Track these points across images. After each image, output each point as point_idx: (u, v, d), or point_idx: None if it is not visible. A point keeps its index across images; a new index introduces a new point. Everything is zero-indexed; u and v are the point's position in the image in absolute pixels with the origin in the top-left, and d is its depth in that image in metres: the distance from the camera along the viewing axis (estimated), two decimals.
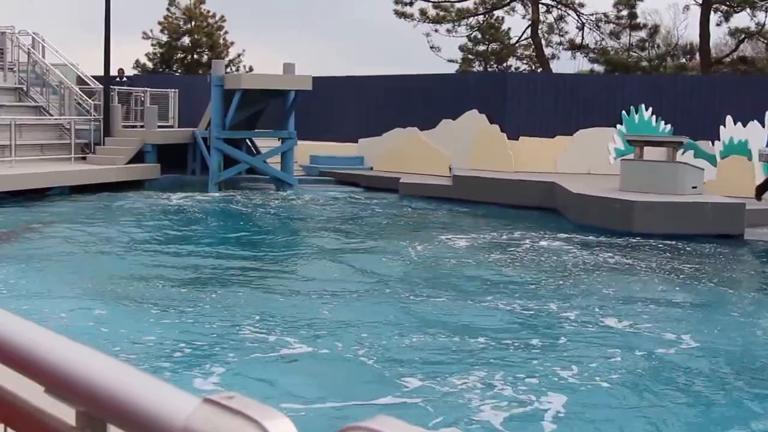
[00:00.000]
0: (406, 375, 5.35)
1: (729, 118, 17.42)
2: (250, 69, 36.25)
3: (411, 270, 9.01)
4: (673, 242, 11.69)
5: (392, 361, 5.66)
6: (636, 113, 20.61)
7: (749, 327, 6.84)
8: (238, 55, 37.24)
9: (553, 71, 30.63)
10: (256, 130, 20.88)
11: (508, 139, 20.57)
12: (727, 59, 30.61)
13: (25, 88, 20.37)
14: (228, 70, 31.72)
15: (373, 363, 5.62)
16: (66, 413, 0.98)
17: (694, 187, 14.15)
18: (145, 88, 21.84)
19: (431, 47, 33.17)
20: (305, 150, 22.71)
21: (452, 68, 33.70)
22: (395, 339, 6.15)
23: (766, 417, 4.84)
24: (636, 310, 7.37)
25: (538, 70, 32.38)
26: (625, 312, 7.23)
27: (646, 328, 6.67)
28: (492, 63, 34.20)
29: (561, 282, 8.49)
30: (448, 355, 5.78)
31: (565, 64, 35.30)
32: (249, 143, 20.82)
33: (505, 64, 34.20)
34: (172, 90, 22.59)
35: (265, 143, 20.95)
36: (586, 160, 20.72)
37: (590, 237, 12.09)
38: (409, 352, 5.85)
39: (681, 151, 17.58)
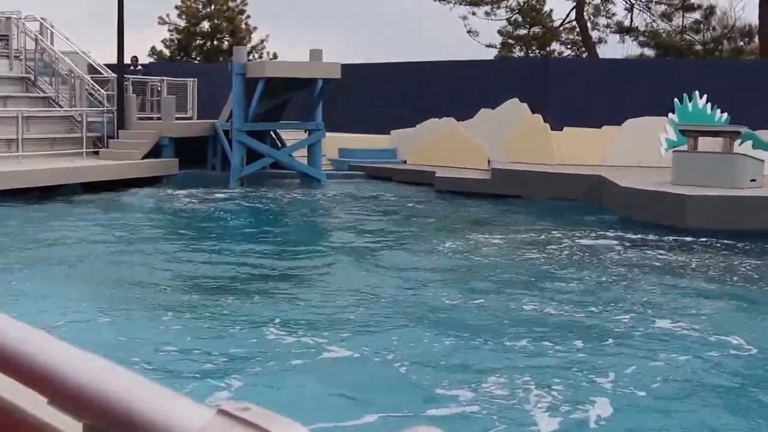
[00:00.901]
0: (443, 382, 5.34)
1: None
2: (274, 56, 36.38)
3: (445, 271, 9.00)
4: (730, 240, 11.55)
5: (427, 367, 5.65)
6: (689, 101, 20.37)
7: None
8: (261, 41, 37.42)
9: (600, 56, 30.45)
10: (281, 122, 20.93)
11: (551, 129, 20.44)
12: None
13: (32, 78, 20.36)
14: (250, 57, 31.80)
15: (407, 369, 5.62)
16: (71, 426, 0.98)
17: (753, 180, 13.97)
18: (162, 77, 21.98)
19: (468, 32, 33.10)
20: (334, 143, 22.76)
21: (491, 54, 33.63)
22: (429, 343, 6.14)
23: None
24: (688, 312, 7.29)
25: (584, 55, 32.17)
26: (676, 314, 7.16)
27: (699, 330, 6.60)
28: (534, 48, 34.00)
29: (605, 281, 8.43)
30: (488, 361, 5.76)
31: (613, 48, 34.93)
32: (273, 136, 20.88)
33: (547, 49, 33.95)
34: (191, 79, 22.67)
35: (291, 136, 20.98)
36: (635, 151, 20.51)
37: (639, 234, 11.98)
38: (444, 357, 5.84)
39: (738, 141, 17.36)
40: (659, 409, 5.05)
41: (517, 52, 33.92)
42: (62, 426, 1.01)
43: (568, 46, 34.60)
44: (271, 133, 20.75)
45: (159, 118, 20.65)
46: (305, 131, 20.55)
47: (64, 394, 0.95)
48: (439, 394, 5.11)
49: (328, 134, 20.68)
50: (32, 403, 1.04)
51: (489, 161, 19.91)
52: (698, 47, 31.69)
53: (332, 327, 6.58)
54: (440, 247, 10.51)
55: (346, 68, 20.20)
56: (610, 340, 6.32)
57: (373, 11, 61.34)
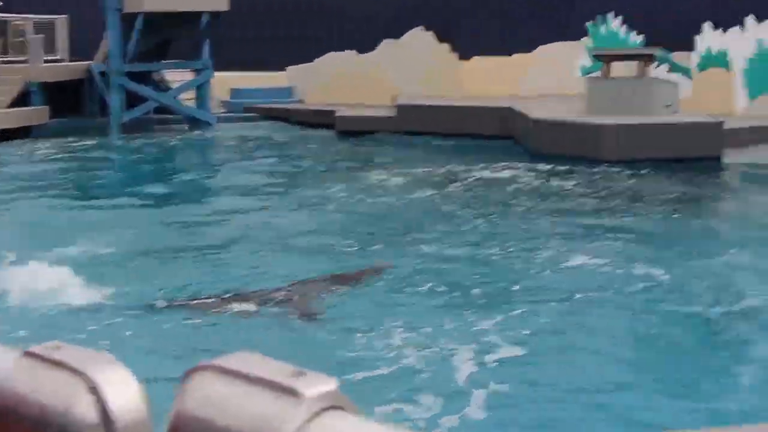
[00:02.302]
0: (334, 330, 5.34)
1: (707, 25, 17.52)
2: None
3: (343, 216, 8.98)
4: (645, 169, 11.81)
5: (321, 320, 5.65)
6: (603, 24, 20.64)
7: (720, 263, 6.96)
8: None
9: None
10: (164, 62, 20.45)
11: (459, 59, 20.47)
12: None
13: None
14: None
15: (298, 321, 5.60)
16: None
17: (669, 106, 14.27)
18: (26, 15, 21.10)
19: None
20: (225, 83, 22.38)
21: None
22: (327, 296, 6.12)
23: (743, 364, 4.94)
24: (600, 245, 7.45)
25: None
26: (588, 248, 7.30)
27: (612, 264, 6.76)
28: None
29: (511, 219, 8.56)
30: (386, 307, 5.78)
31: None
32: (157, 77, 20.39)
33: None
34: (61, 16, 21.82)
35: (177, 77, 20.52)
36: (549, 80, 20.71)
37: (549, 166, 12.15)
38: (337, 308, 5.81)
39: (653, 65, 17.70)
40: (575, 349, 5.16)
41: None
42: None
43: None
44: (154, 74, 20.26)
45: (25, 62, 19.91)
46: (192, 71, 20.14)
47: None
48: (329, 341, 5.11)
49: (217, 74, 20.32)
50: None
51: (394, 97, 19.85)
52: None
53: (213, 277, 6.47)
54: (332, 191, 10.49)
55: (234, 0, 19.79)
56: (519, 284, 6.39)
57: None
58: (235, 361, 0.72)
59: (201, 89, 19.74)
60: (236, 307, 5.75)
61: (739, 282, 6.37)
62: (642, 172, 11.72)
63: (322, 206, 9.66)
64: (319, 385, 0.69)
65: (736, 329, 5.43)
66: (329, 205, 9.73)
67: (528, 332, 5.34)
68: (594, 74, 15.96)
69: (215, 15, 19.13)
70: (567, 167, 12.08)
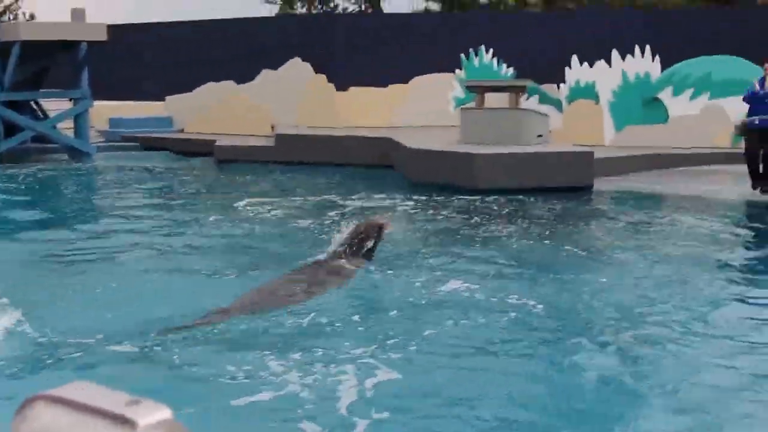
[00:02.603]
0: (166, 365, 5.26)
1: (575, 58, 18.10)
2: (31, 17, 34.65)
3: (216, 244, 8.88)
4: (518, 197, 12.07)
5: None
6: (476, 56, 21.10)
7: (583, 286, 7.16)
8: (15, 1, 35.50)
9: (385, 11, 30.93)
10: (41, 91, 19.91)
11: (337, 90, 20.60)
12: None
13: None
14: (3, 18, 30.04)
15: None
16: None
17: (540, 136, 14.66)
18: None
19: None
20: (104, 112, 21.96)
21: (271, 11, 33.39)
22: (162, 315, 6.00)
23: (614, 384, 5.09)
24: (473, 269, 7.55)
25: (369, 11, 32.56)
26: (460, 272, 7.39)
27: (484, 287, 6.86)
28: (316, 4, 34.09)
29: (385, 245, 8.61)
30: (260, 335, 5.74)
31: (398, 3, 35.57)
32: (34, 106, 19.83)
33: (331, 5, 34.16)
34: None
35: (55, 106, 19.99)
36: (424, 110, 21.04)
37: (425, 195, 12.31)
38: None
39: (524, 96, 18.19)
40: (444, 370, 5.22)
41: (299, 9, 33.92)
42: None
43: (352, 2, 34.96)
44: (32, 103, 19.70)
45: None
46: (70, 100, 19.66)
47: None
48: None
49: (96, 103, 19.91)
50: None
51: (273, 126, 19.84)
52: (483, 0, 32.85)
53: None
54: (208, 220, 10.39)
55: (113, 29, 19.45)
56: (391, 312, 6.42)
57: None
58: (70, 390, 0.71)
59: (79, 119, 19.25)
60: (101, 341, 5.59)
61: (611, 303, 6.57)
62: (514, 200, 11.96)
63: (196, 235, 9.54)
64: (153, 414, 0.69)
65: (609, 352, 5.58)
66: (204, 233, 9.62)
67: (401, 357, 5.38)
68: (468, 105, 16.27)
69: (92, 44, 18.74)
70: (442, 196, 12.25)
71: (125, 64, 23.17)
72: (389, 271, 7.53)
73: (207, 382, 4.99)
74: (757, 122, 12.86)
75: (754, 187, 12.90)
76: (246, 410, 4.61)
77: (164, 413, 0.68)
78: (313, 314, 6.21)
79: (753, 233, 10.11)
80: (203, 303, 6.30)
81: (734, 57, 17.35)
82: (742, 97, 13.42)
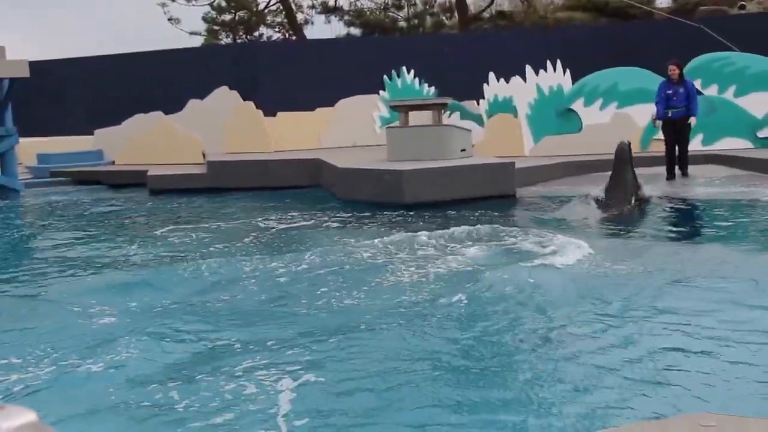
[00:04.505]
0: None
1: (492, 75, 18.34)
2: None
3: (147, 274, 8.70)
4: (444, 210, 12.11)
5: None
6: (398, 77, 21.25)
7: (511, 287, 7.20)
8: None
9: (308, 38, 30.93)
10: None
11: (265, 116, 20.56)
12: (485, 14, 32.25)
13: None
14: None
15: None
16: None
17: (463, 150, 14.77)
18: None
19: (169, 19, 32.50)
20: (31, 148, 21.51)
21: (197, 42, 33.18)
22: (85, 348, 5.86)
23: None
24: (398, 274, 7.55)
25: (292, 38, 32.54)
26: (389, 278, 7.37)
27: (411, 293, 6.86)
28: (241, 33, 33.98)
29: (312, 266, 8.54)
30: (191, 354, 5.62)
31: (321, 29, 35.75)
32: None
33: (256, 34, 34.08)
34: None
35: None
36: (350, 132, 21.14)
37: (354, 214, 12.28)
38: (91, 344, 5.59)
39: (447, 113, 18.37)
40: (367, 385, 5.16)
41: (225, 39, 33.76)
42: None
43: (276, 30, 34.93)
44: None
45: None
46: None
47: None
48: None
49: (22, 140, 19.48)
50: None
51: (204, 154, 19.68)
52: (402, 23, 33.10)
53: None
54: (141, 250, 10.19)
55: (35, 66, 19.08)
56: (301, 321, 6.36)
57: (63, 3, 58.36)
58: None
59: (6, 156, 18.79)
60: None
61: (528, 305, 6.59)
62: (441, 212, 12.01)
63: (127, 265, 9.34)
64: (17, 418, 0.65)
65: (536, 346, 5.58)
66: (135, 263, 9.42)
67: (319, 363, 5.31)
68: (393, 124, 16.34)
69: (14, 81, 18.33)
70: (371, 213, 12.24)
71: (51, 100, 22.73)
72: (321, 284, 7.45)
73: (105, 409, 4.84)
74: (670, 115, 14.75)
75: (668, 179, 14.53)
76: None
77: (29, 416, 0.64)
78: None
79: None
80: (116, 334, 6.15)
81: (637, 68, 17.85)
82: (655, 100, 14.95)
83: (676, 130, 14.78)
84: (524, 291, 7.04)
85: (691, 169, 15.10)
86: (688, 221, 11.15)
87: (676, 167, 14.96)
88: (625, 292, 6.84)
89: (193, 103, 20.94)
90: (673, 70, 14.83)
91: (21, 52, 18.95)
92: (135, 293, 7.68)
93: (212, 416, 4.62)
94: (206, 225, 12.13)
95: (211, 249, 10.01)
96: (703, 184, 13.73)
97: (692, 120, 14.79)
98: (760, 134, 17.01)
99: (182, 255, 9.66)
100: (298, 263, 8.73)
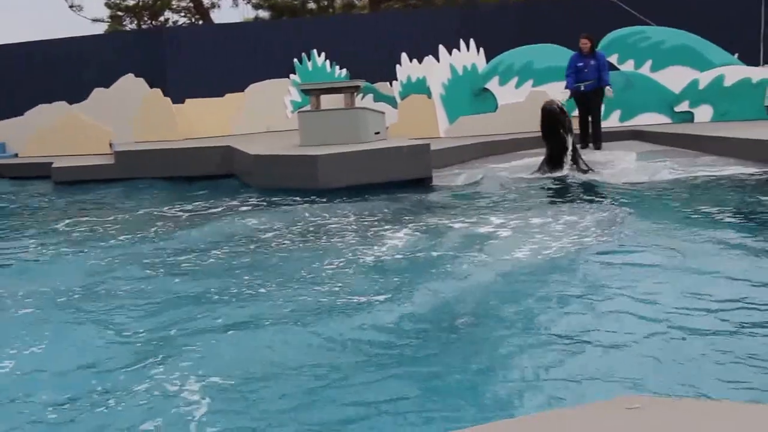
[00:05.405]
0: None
1: (404, 56, 18.14)
2: None
3: (52, 268, 8.28)
4: (361, 194, 11.92)
5: None
6: (309, 60, 20.92)
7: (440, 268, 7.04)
8: None
9: (216, 22, 30.30)
10: None
11: (173, 103, 20.04)
12: None
13: None
14: None
15: None
16: None
17: (377, 133, 14.54)
18: None
19: (71, 6, 31.56)
20: None
21: (100, 29, 32.32)
22: None
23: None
24: (318, 273, 7.31)
25: (199, 23, 31.90)
26: (288, 280, 7.12)
27: (334, 294, 6.62)
28: (146, 19, 33.12)
29: (232, 255, 8.25)
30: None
31: (228, 13, 35.08)
32: None
33: (161, 19, 33.29)
34: None
35: None
36: (262, 117, 20.77)
37: (270, 199, 12.00)
38: None
39: (360, 96, 18.11)
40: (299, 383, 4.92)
41: (129, 25, 32.88)
42: None
43: (182, 14, 34.17)
44: None
45: None
46: None
47: None
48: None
49: None
50: None
51: (111, 144, 19.11)
52: (312, 5, 32.69)
53: None
54: (46, 243, 9.73)
55: None
56: (227, 312, 6.09)
57: None
58: None
59: None
60: None
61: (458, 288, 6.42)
62: (357, 197, 11.81)
63: (33, 260, 8.91)
64: None
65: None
66: (42, 257, 8.99)
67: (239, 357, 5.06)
68: (305, 108, 16.04)
69: None
70: (286, 198, 11.96)
71: None
72: (235, 281, 7.16)
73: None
74: (582, 88, 14.99)
75: (582, 147, 14.61)
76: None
77: None
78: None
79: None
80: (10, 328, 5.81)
81: (551, 45, 17.79)
82: (566, 73, 15.18)
83: (587, 102, 15.01)
84: (446, 276, 6.87)
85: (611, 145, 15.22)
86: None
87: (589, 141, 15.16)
88: (557, 274, 6.71)
89: (98, 92, 20.28)
90: (584, 43, 15.01)
91: None
92: (33, 285, 7.28)
93: (108, 417, 4.32)
94: (111, 217, 11.69)
95: (115, 241, 9.61)
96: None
97: (608, 90, 14.96)
98: (678, 108, 17.12)
99: (85, 248, 9.25)
100: (206, 253, 8.42)
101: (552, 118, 12.87)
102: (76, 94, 20.22)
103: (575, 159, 13.10)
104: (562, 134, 12.88)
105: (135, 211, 12.17)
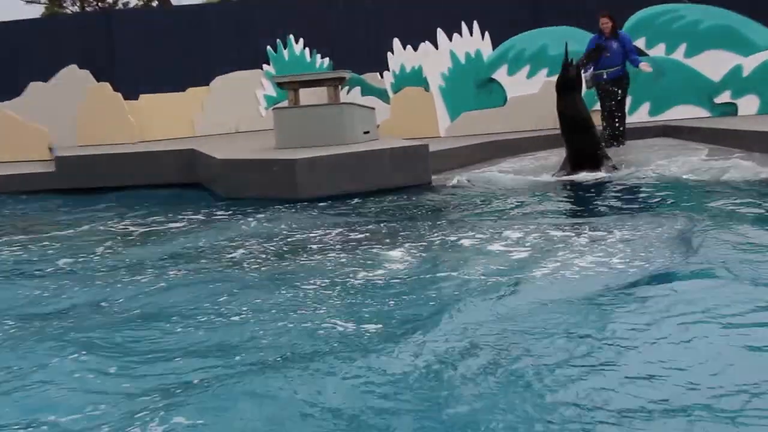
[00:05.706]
0: None
1: (396, 42, 18.02)
2: None
3: None
4: (348, 204, 11.81)
5: None
6: (285, 48, 20.80)
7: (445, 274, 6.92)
8: None
9: (174, 3, 30.31)
10: None
11: (125, 99, 19.90)
12: None
13: None
14: None
15: None
16: None
17: (367, 132, 14.45)
18: None
19: None
20: None
21: (36, 12, 32.30)
22: None
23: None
24: (284, 293, 7.15)
25: (154, 4, 31.88)
26: (262, 303, 6.96)
27: (297, 309, 6.48)
28: (91, 0, 33.10)
29: (165, 277, 8.10)
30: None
31: None
32: None
33: (108, 1, 33.26)
34: None
35: None
36: (231, 115, 20.68)
37: (239, 211, 11.85)
38: None
39: (345, 89, 17.98)
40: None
41: (70, 7, 32.82)
42: None
43: None
44: None
45: None
46: None
47: None
48: None
49: None
50: None
51: (51, 148, 18.95)
52: None
53: None
54: None
55: None
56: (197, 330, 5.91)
57: None
58: None
59: None
60: None
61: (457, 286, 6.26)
62: (344, 208, 11.67)
63: None
64: None
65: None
66: None
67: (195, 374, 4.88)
68: (281, 104, 15.91)
69: None
70: (260, 210, 11.78)
71: None
72: (201, 300, 6.95)
73: None
74: (605, 76, 15.04)
75: (616, 146, 14.80)
76: None
77: None
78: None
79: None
80: None
81: (567, 27, 17.64)
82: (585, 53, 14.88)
83: (613, 91, 14.99)
84: (450, 299, 6.67)
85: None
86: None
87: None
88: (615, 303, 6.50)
89: (34, 87, 20.11)
90: (604, 23, 15.02)
91: None
92: None
93: None
94: (49, 234, 11.51)
95: (55, 264, 9.41)
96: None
97: (644, 65, 14.90)
98: (718, 100, 16.95)
99: (15, 273, 9.05)
100: (162, 277, 8.23)
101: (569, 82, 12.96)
102: (7, 90, 20.08)
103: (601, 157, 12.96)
104: (584, 116, 12.86)
105: (78, 227, 11.99)
